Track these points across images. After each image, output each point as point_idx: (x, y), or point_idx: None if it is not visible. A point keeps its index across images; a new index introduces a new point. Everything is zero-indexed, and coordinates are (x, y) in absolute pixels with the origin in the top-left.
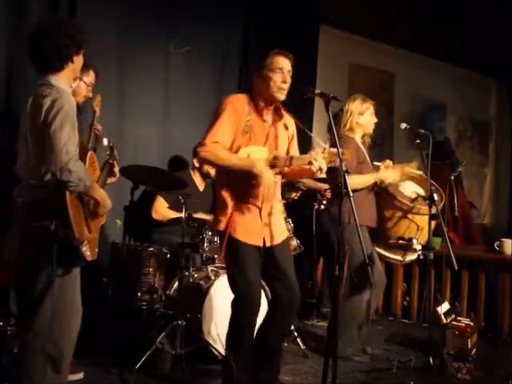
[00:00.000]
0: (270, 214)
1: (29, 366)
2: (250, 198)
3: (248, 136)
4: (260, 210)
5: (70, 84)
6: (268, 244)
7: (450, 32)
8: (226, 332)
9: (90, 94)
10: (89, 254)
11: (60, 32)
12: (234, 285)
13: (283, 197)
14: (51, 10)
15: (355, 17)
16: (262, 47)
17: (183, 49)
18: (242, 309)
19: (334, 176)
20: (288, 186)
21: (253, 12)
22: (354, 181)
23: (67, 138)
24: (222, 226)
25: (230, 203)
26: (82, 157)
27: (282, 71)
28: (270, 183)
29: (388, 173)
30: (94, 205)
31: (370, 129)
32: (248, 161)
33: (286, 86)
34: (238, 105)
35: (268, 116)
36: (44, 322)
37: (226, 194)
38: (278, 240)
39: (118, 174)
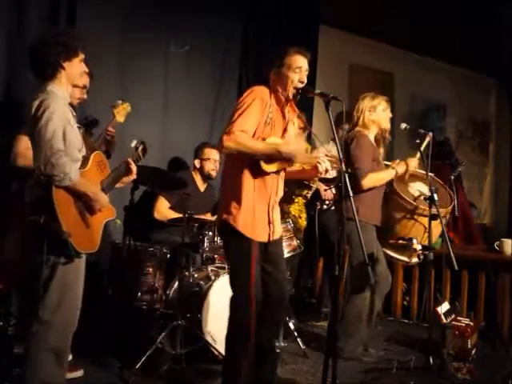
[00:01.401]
0: (273, 209)
1: (34, 360)
2: (262, 193)
3: (269, 128)
4: (268, 205)
5: (68, 90)
6: (270, 239)
7: (450, 32)
8: (226, 331)
9: (85, 96)
10: (83, 246)
11: (51, 41)
12: (236, 282)
13: (296, 194)
14: (51, 10)
15: (355, 17)
16: (262, 47)
17: (183, 49)
18: (244, 307)
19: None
20: (297, 184)
21: (253, 12)
22: (374, 178)
23: (51, 135)
24: (232, 220)
25: (245, 199)
26: (88, 156)
27: (300, 70)
28: (302, 150)
29: (401, 165)
30: (87, 200)
31: (386, 124)
32: (273, 144)
33: (302, 85)
34: (263, 96)
35: (285, 110)
36: (47, 314)
37: (240, 188)
38: (277, 235)
39: (134, 173)
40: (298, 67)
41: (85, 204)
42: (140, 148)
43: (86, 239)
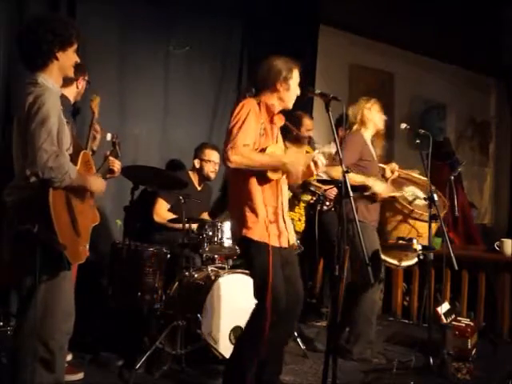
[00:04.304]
0: (286, 213)
1: (20, 366)
2: (271, 199)
3: (264, 138)
4: (282, 209)
5: (59, 82)
6: (288, 245)
7: (450, 32)
8: (243, 335)
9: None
10: (75, 259)
11: (41, 28)
12: (263, 294)
13: (301, 200)
14: (51, 9)
15: (355, 17)
16: (261, 47)
17: (183, 49)
18: (267, 317)
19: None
20: (303, 189)
21: (253, 12)
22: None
23: (46, 136)
24: (254, 234)
25: (260, 208)
26: (75, 155)
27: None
28: (302, 158)
29: (380, 185)
30: (90, 192)
31: (381, 125)
32: (277, 156)
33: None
34: (256, 109)
35: (275, 119)
36: (33, 325)
37: (252, 199)
38: (292, 241)
39: (117, 171)
40: (296, 81)
41: (78, 198)
42: (117, 142)
43: (78, 250)
